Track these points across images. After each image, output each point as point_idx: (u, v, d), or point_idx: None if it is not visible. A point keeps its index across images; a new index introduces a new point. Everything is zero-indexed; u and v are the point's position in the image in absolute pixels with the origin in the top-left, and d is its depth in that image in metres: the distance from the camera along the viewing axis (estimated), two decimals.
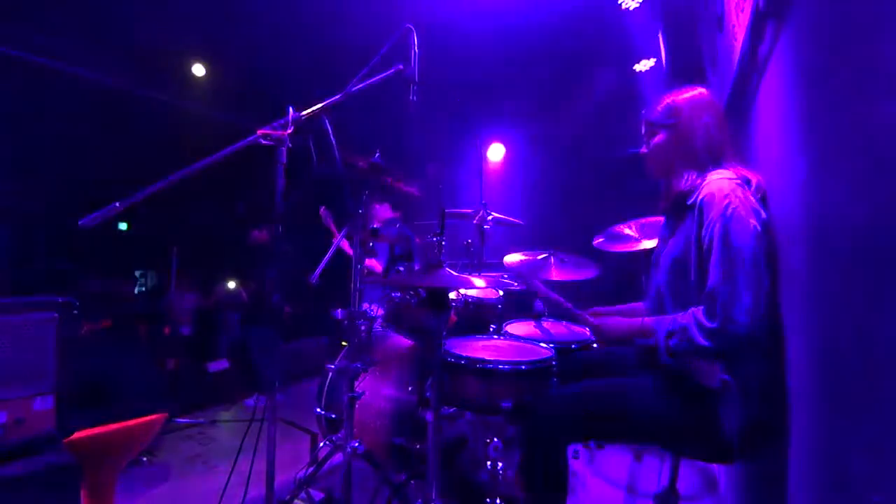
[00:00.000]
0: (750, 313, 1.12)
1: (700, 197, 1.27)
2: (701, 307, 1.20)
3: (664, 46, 3.45)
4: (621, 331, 1.43)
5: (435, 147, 5.24)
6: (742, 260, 1.14)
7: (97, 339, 2.22)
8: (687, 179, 1.34)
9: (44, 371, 1.18)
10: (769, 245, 1.21)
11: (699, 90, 1.41)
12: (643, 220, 2.51)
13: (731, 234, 1.16)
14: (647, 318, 1.37)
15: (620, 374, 1.46)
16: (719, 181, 1.26)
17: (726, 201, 1.19)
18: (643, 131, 1.48)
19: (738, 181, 1.25)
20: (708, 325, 1.16)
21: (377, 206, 3.42)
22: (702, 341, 1.17)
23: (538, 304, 2.36)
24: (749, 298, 1.12)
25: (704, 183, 1.30)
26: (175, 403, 3.41)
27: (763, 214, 1.21)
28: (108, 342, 2.27)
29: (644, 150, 1.48)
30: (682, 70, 3.23)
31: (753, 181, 1.27)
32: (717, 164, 1.33)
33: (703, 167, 1.33)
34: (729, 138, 1.36)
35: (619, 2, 3.27)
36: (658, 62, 3.68)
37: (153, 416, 2.05)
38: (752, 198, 1.22)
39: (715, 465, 2.48)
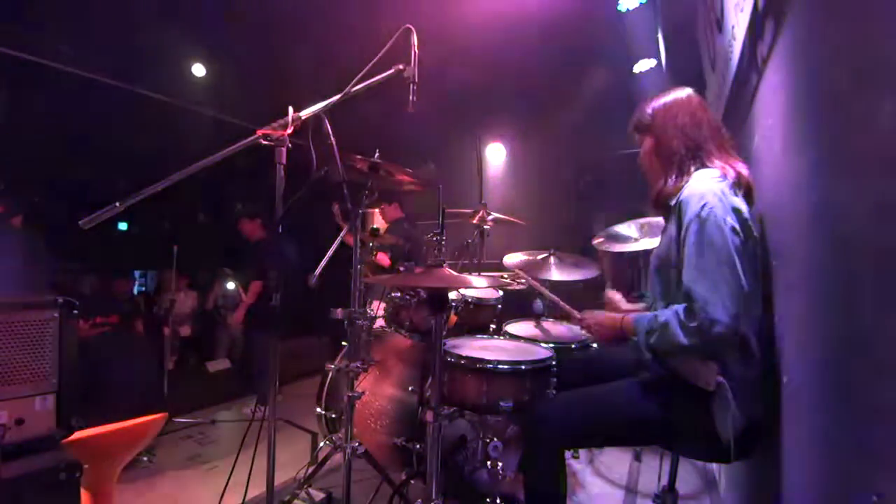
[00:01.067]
0: (728, 312, 1.12)
1: (680, 198, 1.28)
2: (682, 305, 1.21)
3: (664, 47, 3.45)
4: (605, 326, 1.46)
5: (435, 147, 5.25)
6: (719, 260, 1.15)
7: (97, 339, 2.22)
8: (671, 181, 1.35)
9: (44, 371, 1.18)
10: (755, 243, 1.21)
11: (675, 93, 1.42)
12: (643, 220, 2.51)
13: (706, 235, 1.17)
14: (629, 314, 1.38)
15: (619, 375, 1.46)
16: (699, 181, 1.26)
17: (703, 202, 1.19)
18: (636, 139, 1.50)
19: (720, 179, 1.25)
20: (688, 323, 1.17)
21: (386, 206, 3.41)
22: (682, 339, 1.18)
23: (538, 304, 2.36)
24: (730, 298, 1.13)
25: (686, 183, 1.30)
26: (175, 403, 3.41)
27: (744, 213, 1.20)
28: (109, 342, 2.27)
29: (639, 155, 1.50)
30: (682, 71, 3.23)
31: (733, 175, 1.26)
32: (701, 163, 1.33)
33: (686, 168, 1.33)
34: (710, 136, 1.36)
35: (619, 5, 3.27)
36: (658, 63, 3.68)
37: (153, 416, 2.05)
38: (732, 196, 1.22)
39: (715, 464, 2.49)
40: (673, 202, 1.31)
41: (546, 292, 1.80)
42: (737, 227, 1.17)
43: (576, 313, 1.57)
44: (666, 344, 1.23)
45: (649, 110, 1.43)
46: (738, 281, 1.14)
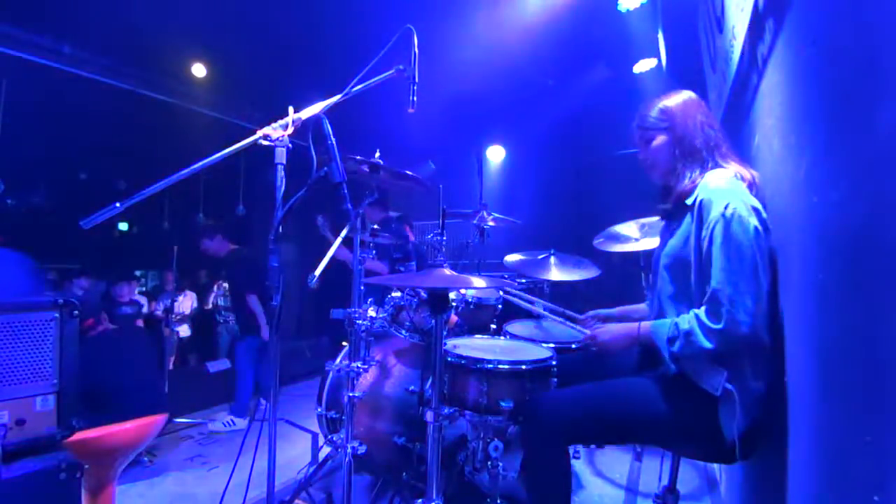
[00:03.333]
0: (752, 314, 1.13)
1: (699, 196, 1.27)
2: (704, 308, 1.20)
3: (664, 47, 3.45)
4: (619, 339, 1.42)
5: (434, 147, 5.25)
6: (743, 261, 1.15)
7: (98, 339, 2.22)
8: (689, 178, 1.34)
9: (45, 371, 1.18)
10: (768, 244, 1.21)
11: (684, 94, 1.42)
12: (643, 220, 2.51)
13: (731, 235, 1.16)
14: (644, 324, 1.36)
15: (619, 375, 1.45)
16: (718, 180, 1.26)
17: (726, 201, 1.19)
18: (637, 138, 1.47)
19: (739, 179, 1.26)
20: (712, 326, 1.16)
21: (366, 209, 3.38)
22: (706, 343, 1.17)
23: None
24: (751, 299, 1.13)
25: (703, 182, 1.30)
26: (175, 403, 3.40)
27: (764, 212, 1.21)
28: (110, 342, 2.27)
29: (642, 155, 1.47)
30: (682, 71, 3.23)
31: (749, 178, 1.27)
32: (716, 162, 1.33)
33: (705, 165, 1.33)
34: (724, 136, 1.37)
35: (619, 5, 3.27)
36: (658, 63, 3.69)
37: (153, 416, 2.05)
38: (751, 196, 1.23)
39: (715, 465, 2.48)
40: (690, 201, 1.30)
41: (545, 312, 1.80)
42: (759, 227, 1.17)
43: (586, 330, 1.55)
44: (690, 351, 1.22)
45: (662, 108, 1.40)
46: (760, 282, 1.14)
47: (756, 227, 1.16)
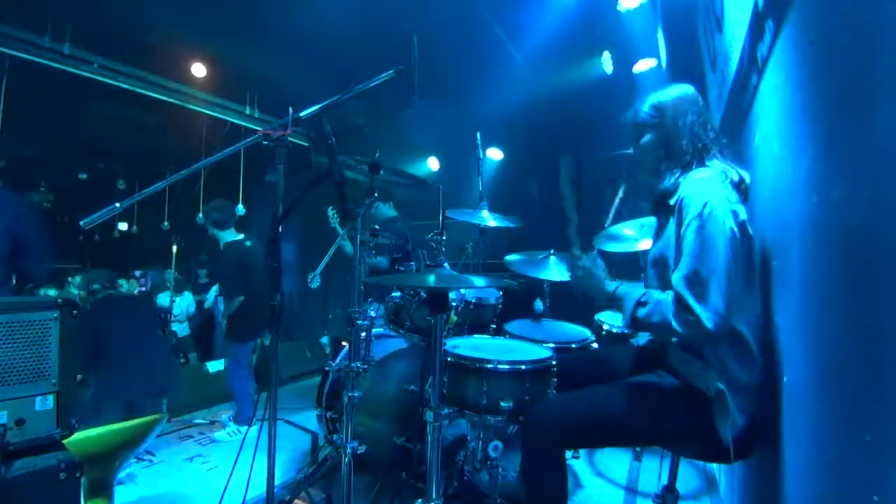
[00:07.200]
0: (720, 313, 1.13)
1: (680, 197, 1.27)
2: (679, 294, 1.19)
3: (664, 47, 3.45)
4: (594, 282, 1.40)
5: (435, 146, 5.25)
6: (714, 260, 1.15)
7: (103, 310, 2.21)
8: (670, 179, 1.34)
9: (44, 371, 1.18)
10: (750, 244, 1.21)
11: (683, 88, 1.41)
12: (643, 220, 2.51)
13: (706, 235, 1.17)
14: (622, 286, 1.35)
15: (619, 375, 1.46)
16: (699, 180, 1.26)
17: (704, 201, 1.19)
18: (630, 133, 1.47)
19: (721, 179, 1.25)
20: (684, 314, 1.17)
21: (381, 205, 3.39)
22: (676, 323, 1.17)
23: (538, 305, 2.36)
24: (719, 298, 1.13)
25: (685, 182, 1.30)
26: (175, 403, 3.40)
27: (744, 214, 1.21)
28: (116, 317, 2.26)
29: (632, 152, 1.46)
30: (682, 71, 3.23)
31: (736, 176, 1.27)
32: (701, 162, 1.33)
33: (688, 166, 1.33)
34: (715, 138, 1.36)
35: (618, 5, 3.26)
36: (658, 63, 3.68)
37: (153, 416, 2.05)
38: (733, 197, 1.22)
39: (715, 464, 2.49)
40: (673, 201, 1.31)
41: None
42: (735, 228, 1.17)
43: (576, 251, 1.52)
44: (655, 318, 1.21)
45: (655, 104, 1.39)
46: (731, 281, 1.14)
47: (731, 228, 1.16)
